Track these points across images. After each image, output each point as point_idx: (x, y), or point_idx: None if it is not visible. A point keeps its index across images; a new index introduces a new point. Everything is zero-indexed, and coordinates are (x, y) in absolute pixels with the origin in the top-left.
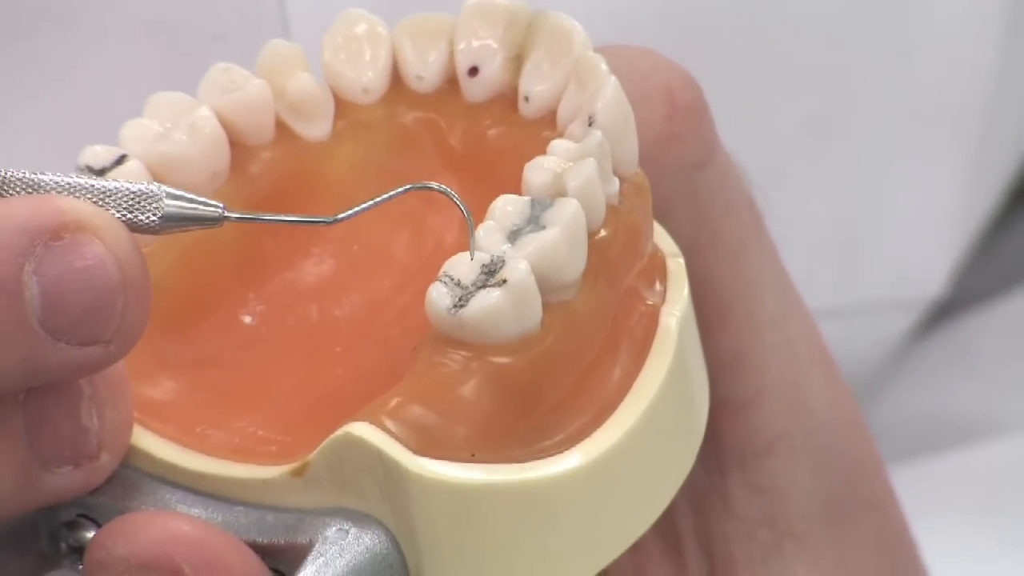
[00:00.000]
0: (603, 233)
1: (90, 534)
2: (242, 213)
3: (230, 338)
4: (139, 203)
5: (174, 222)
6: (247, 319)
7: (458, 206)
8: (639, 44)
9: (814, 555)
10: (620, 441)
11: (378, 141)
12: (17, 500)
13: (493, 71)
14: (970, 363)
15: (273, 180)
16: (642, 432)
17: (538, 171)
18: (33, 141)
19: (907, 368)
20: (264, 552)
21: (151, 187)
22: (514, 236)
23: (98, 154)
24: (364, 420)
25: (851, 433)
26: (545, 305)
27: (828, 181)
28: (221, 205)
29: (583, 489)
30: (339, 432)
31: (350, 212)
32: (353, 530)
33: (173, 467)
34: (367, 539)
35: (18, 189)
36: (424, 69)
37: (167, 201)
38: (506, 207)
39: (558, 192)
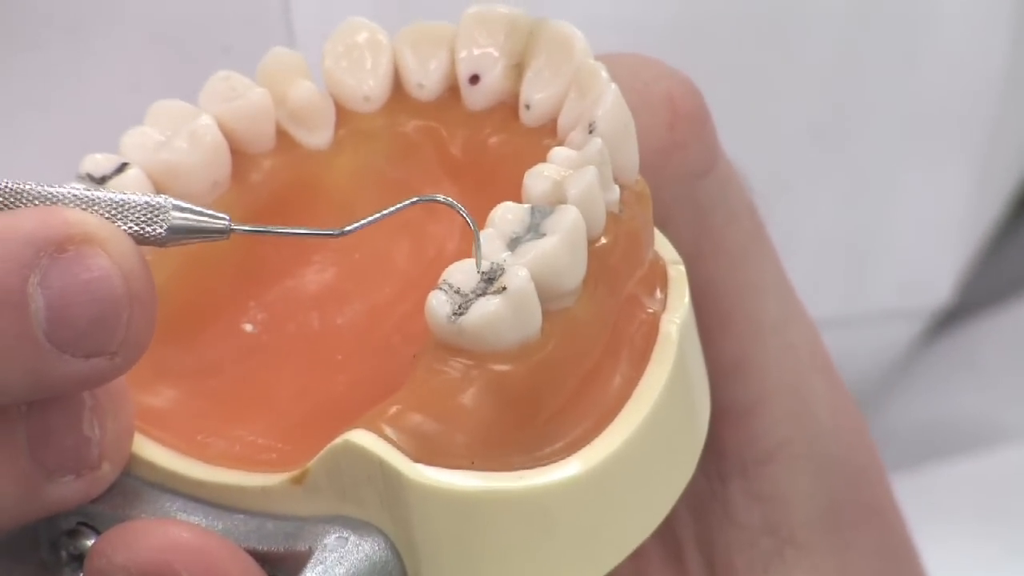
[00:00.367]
0: (603, 241)
1: (90, 542)
2: (249, 226)
3: (231, 346)
4: (145, 215)
5: (180, 235)
6: (248, 327)
7: (465, 219)
8: (642, 52)
9: (815, 563)
10: (620, 449)
11: (379, 149)
12: (19, 510)
13: (494, 79)
14: (975, 371)
15: (274, 188)
16: (642, 440)
17: (538, 179)
18: (40, 150)
19: (912, 375)
20: (264, 560)
21: (158, 199)
22: (514, 244)
23: (98, 162)
24: (364, 428)
25: (853, 440)
26: (545, 313)
27: (834, 189)
28: (227, 218)
29: (583, 497)
30: (338, 440)
31: (358, 224)
32: (352, 538)
33: (173, 475)
34: (366, 547)
35: (26, 201)
36: (425, 77)
37: (174, 213)
38: (506, 215)
39: (558, 200)
